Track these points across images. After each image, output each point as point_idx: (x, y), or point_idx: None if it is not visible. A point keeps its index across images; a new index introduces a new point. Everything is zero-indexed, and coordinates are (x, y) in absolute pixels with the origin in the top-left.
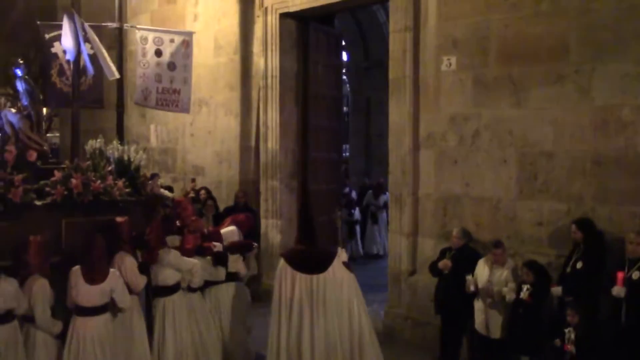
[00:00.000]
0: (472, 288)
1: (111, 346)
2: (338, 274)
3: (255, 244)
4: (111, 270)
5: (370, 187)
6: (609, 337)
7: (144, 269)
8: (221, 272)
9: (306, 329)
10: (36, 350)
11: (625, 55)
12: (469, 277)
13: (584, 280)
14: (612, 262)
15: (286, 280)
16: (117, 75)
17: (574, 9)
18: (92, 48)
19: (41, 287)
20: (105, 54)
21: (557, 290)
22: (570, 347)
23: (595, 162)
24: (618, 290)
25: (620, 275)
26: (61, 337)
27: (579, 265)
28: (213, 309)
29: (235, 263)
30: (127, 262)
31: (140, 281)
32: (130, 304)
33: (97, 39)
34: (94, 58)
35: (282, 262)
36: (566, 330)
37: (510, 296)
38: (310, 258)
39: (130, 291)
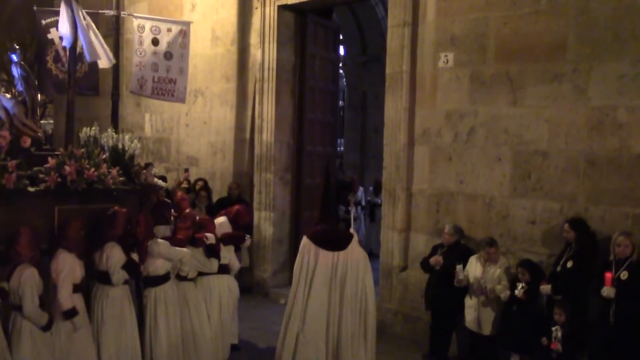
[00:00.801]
0: (460, 276)
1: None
2: (356, 253)
3: (248, 236)
4: (61, 253)
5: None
6: (597, 337)
7: (131, 267)
8: (214, 264)
9: (325, 301)
10: (21, 340)
11: (623, 56)
12: (458, 266)
13: (574, 280)
14: (603, 262)
15: (309, 255)
16: (113, 61)
17: (572, 8)
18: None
19: (30, 276)
20: (102, 41)
21: (546, 288)
22: (557, 345)
23: (590, 162)
24: (608, 291)
25: (608, 275)
26: (48, 329)
27: (570, 264)
28: (203, 298)
29: (227, 255)
30: (113, 254)
31: (118, 277)
32: (67, 298)
33: (94, 26)
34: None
35: (305, 239)
36: (553, 329)
37: (504, 294)
38: (332, 236)
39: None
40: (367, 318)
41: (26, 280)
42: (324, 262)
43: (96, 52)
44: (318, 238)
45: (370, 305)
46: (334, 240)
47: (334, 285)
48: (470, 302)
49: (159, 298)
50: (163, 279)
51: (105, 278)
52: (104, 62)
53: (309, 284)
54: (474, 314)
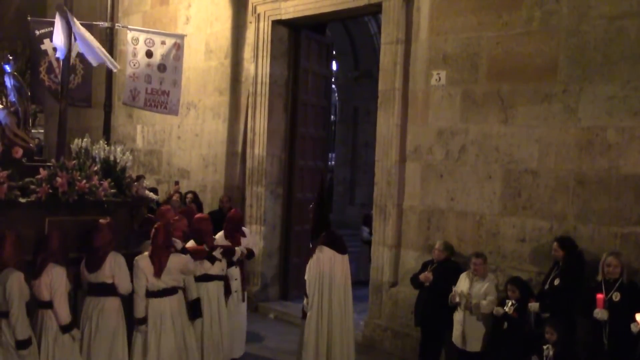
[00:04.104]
0: (457, 299)
1: (69, 343)
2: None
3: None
4: (53, 268)
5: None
6: (587, 357)
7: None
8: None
9: (342, 299)
10: (9, 351)
11: (613, 77)
12: (455, 288)
13: (561, 297)
14: (591, 282)
15: (327, 262)
16: (118, 67)
17: (563, 30)
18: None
19: (17, 279)
20: (102, 49)
21: (534, 306)
22: None
23: (579, 181)
24: (602, 313)
25: (600, 297)
26: (25, 346)
27: (557, 282)
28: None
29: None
30: (121, 264)
31: (128, 285)
32: (67, 313)
33: (91, 35)
34: (83, 56)
35: (323, 249)
36: (544, 347)
37: (497, 310)
38: (340, 240)
39: (117, 293)
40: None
41: (13, 285)
42: (340, 265)
43: (100, 56)
44: (335, 244)
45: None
46: (343, 245)
47: (345, 285)
48: (457, 317)
49: (152, 311)
50: (163, 292)
51: (103, 290)
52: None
53: (332, 287)
54: (460, 328)
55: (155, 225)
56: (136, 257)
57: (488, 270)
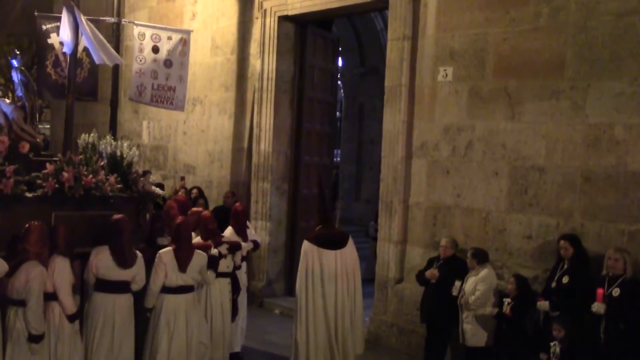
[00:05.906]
0: (455, 293)
1: (71, 335)
2: (353, 251)
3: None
4: (56, 258)
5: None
6: (588, 353)
7: None
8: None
9: (332, 295)
10: (20, 339)
11: (620, 74)
12: (457, 283)
13: (570, 295)
14: (597, 278)
15: (313, 257)
16: (122, 61)
17: (571, 26)
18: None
19: (39, 275)
20: (107, 44)
21: (544, 304)
22: None
23: (586, 178)
24: (598, 306)
25: (600, 291)
26: (39, 340)
27: (565, 280)
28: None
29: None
30: (142, 263)
31: (144, 282)
32: (72, 303)
33: (97, 31)
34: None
35: (307, 244)
36: (552, 344)
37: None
38: (332, 237)
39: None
40: (356, 311)
41: (35, 279)
42: (328, 261)
43: (104, 55)
44: (320, 240)
45: (359, 301)
46: (334, 240)
47: (339, 280)
48: (460, 313)
49: (166, 308)
50: (180, 289)
51: (119, 287)
52: (115, 61)
53: (318, 282)
54: (462, 324)
55: (178, 221)
56: (159, 252)
57: (484, 265)
